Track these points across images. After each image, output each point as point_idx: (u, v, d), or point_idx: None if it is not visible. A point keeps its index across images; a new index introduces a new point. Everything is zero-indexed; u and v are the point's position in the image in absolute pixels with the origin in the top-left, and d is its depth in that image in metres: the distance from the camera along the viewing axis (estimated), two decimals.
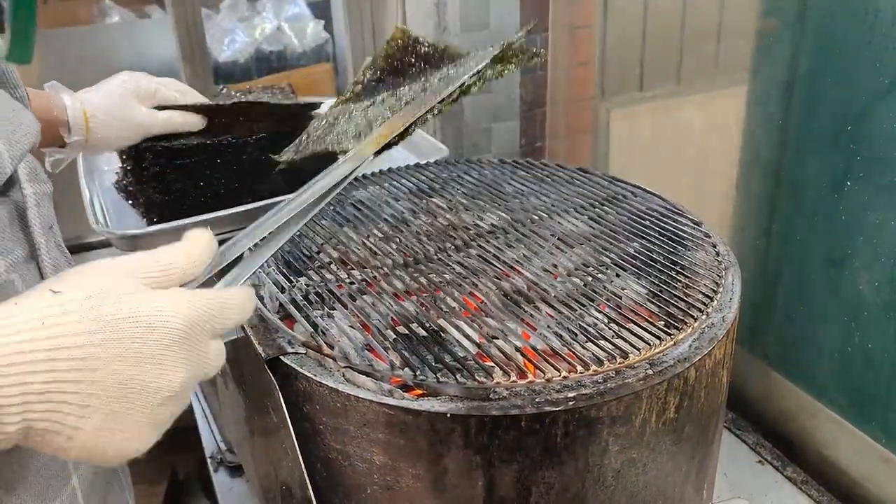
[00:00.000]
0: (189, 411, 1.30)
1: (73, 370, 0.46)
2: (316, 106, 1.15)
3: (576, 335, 0.70)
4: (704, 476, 0.79)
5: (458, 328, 0.72)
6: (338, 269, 0.84)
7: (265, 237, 0.67)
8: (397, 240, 0.89)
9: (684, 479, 0.75)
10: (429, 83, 0.86)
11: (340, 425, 0.68)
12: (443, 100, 0.81)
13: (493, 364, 0.67)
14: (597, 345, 0.68)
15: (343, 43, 2.22)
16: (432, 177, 1.05)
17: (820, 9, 0.98)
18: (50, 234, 0.74)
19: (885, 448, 0.98)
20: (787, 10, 1.03)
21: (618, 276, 0.80)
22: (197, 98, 1.05)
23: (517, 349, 0.68)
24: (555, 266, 0.82)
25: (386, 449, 0.66)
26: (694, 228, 0.89)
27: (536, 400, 0.63)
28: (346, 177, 0.73)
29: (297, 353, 0.71)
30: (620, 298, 0.76)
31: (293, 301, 0.78)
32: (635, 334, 0.69)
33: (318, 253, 0.87)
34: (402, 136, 0.81)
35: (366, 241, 0.89)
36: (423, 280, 0.80)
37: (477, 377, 0.65)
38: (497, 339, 0.70)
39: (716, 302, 0.75)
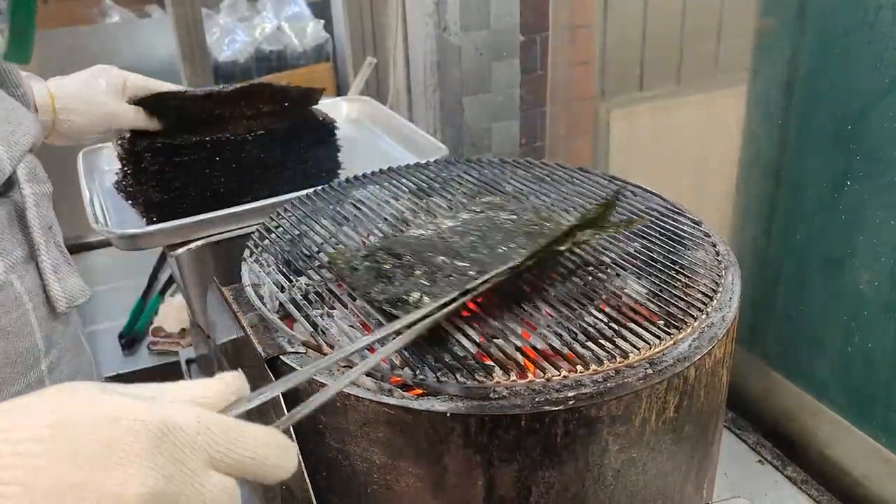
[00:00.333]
0: None
1: (13, 467, 0.36)
2: (318, 92, 1.15)
3: (576, 335, 0.70)
4: (704, 476, 0.79)
5: (458, 327, 0.72)
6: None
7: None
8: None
9: (684, 479, 0.75)
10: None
11: (340, 425, 0.67)
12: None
13: (492, 363, 0.67)
14: (597, 344, 0.68)
15: (343, 43, 2.22)
16: (432, 176, 1.05)
17: (820, 8, 0.98)
18: (49, 235, 0.74)
19: (885, 448, 0.98)
20: (787, 10, 1.03)
21: (618, 275, 0.80)
22: (161, 88, 1.04)
23: (517, 348, 0.68)
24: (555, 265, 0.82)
25: (386, 448, 0.66)
26: (694, 228, 0.89)
27: (536, 399, 0.63)
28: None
29: (297, 353, 0.71)
30: (620, 298, 0.75)
31: (293, 300, 0.78)
32: (635, 334, 0.69)
33: (318, 252, 0.87)
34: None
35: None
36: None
37: (477, 376, 0.65)
38: (497, 338, 0.70)
39: (715, 301, 0.75)
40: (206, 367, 1.21)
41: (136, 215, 1.12)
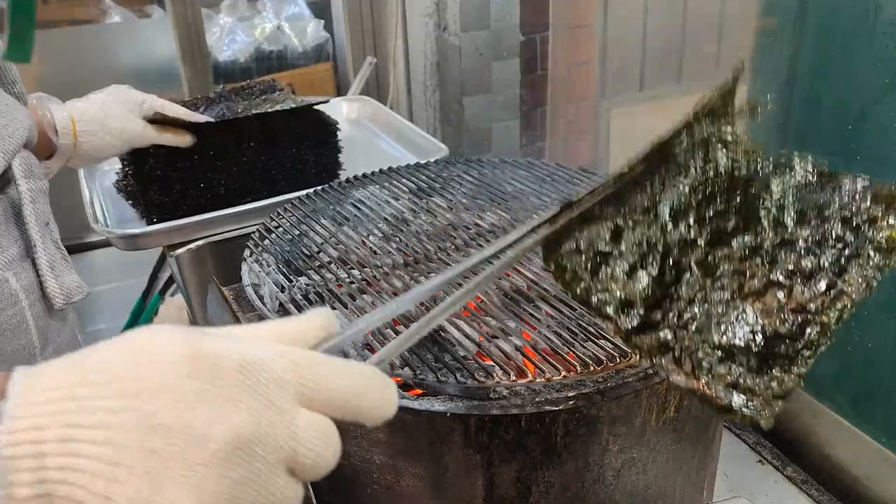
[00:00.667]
0: None
1: (100, 410, 0.35)
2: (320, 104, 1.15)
3: (576, 334, 0.70)
4: (704, 476, 0.79)
5: (457, 327, 0.72)
6: (338, 268, 0.84)
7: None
8: (397, 239, 0.89)
9: (684, 479, 0.75)
10: None
11: (340, 425, 0.67)
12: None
13: (493, 363, 0.67)
14: (597, 344, 0.68)
15: (343, 43, 2.22)
16: (432, 176, 1.05)
17: (820, 8, 0.98)
18: (46, 231, 0.74)
19: (885, 448, 0.98)
20: (787, 10, 1.03)
21: None
22: (178, 113, 1.04)
23: (517, 348, 0.68)
24: None
25: (386, 448, 0.66)
26: None
27: (536, 399, 0.63)
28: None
29: None
30: None
31: (293, 300, 0.78)
32: None
33: (318, 252, 0.87)
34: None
35: (366, 241, 0.89)
36: (423, 280, 0.80)
37: (477, 376, 0.65)
38: (497, 338, 0.70)
39: None
40: None
41: (136, 215, 1.12)
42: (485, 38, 1.82)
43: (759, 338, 0.45)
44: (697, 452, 0.75)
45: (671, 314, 0.46)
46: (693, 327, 0.45)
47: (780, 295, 0.46)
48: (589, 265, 0.48)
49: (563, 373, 0.65)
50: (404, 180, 1.04)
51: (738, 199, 0.50)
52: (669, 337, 0.45)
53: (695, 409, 0.71)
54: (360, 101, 1.48)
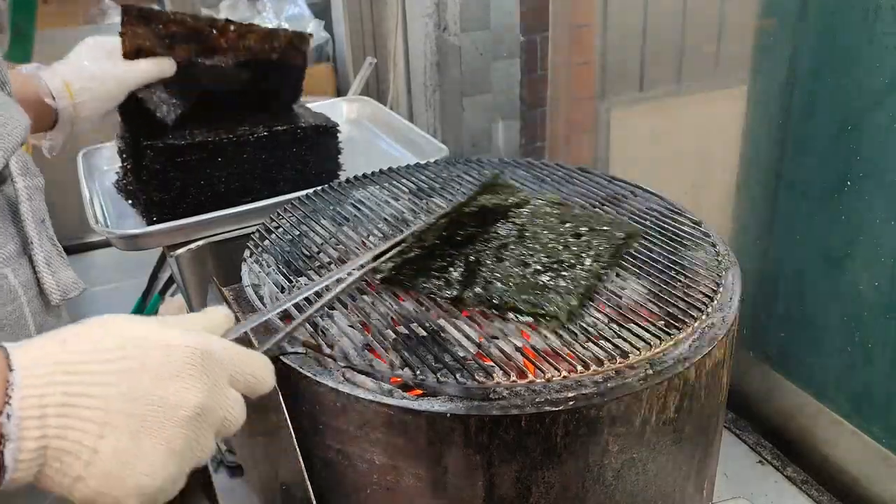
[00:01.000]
0: None
1: (94, 384, 0.45)
2: (305, 39, 1.15)
3: (576, 335, 0.70)
4: (704, 476, 0.79)
5: (457, 328, 0.72)
6: (338, 268, 0.84)
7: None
8: None
9: (684, 479, 0.75)
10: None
11: (340, 425, 0.67)
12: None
13: (492, 364, 0.67)
14: (597, 345, 0.68)
15: (343, 43, 2.22)
16: (432, 177, 1.05)
17: (820, 8, 0.98)
18: (42, 228, 0.74)
19: (885, 448, 0.98)
20: (787, 10, 1.03)
21: (618, 275, 0.80)
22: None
23: (517, 349, 0.68)
24: None
25: (386, 449, 0.66)
26: (694, 228, 0.89)
27: (536, 400, 0.63)
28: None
29: (297, 353, 0.71)
30: (620, 298, 0.75)
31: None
32: (635, 334, 0.69)
33: (318, 253, 0.87)
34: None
35: (366, 241, 0.89)
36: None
37: (477, 377, 0.65)
38: (497, 338, 0.70)
39: (716, 302, 0.75)
40: None
41: (136, 215, 1.12)
42: (485, 38, 1.82)
43: (528, 279, 0.75)
44: (697, 453, 0.75)
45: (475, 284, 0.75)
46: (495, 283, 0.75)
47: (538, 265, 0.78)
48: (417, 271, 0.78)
49: (563, 373, 0.65)
50: (404, 181, 1.04)
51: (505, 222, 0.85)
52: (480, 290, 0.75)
53: (695, 410, 0.71)
54: (360, 102, 1.48)
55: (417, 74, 1.91)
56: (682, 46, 1.29)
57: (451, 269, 0.78)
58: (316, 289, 0.72)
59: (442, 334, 0.71)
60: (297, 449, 0.69)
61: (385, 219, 0.94)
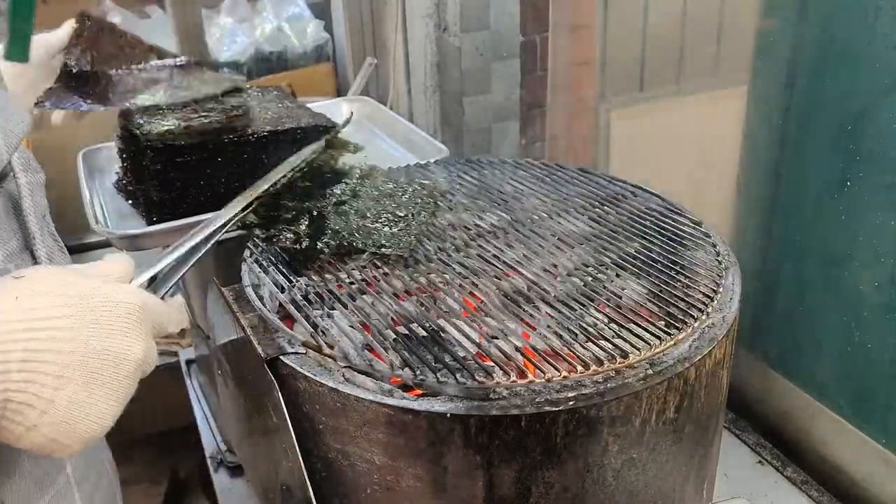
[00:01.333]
0: (189, 411, 1.30)
1: (51, 339, 0.48)
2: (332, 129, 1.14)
3: (576, 335, 0.70)
4: (704, 476, 0.79)
5: (457, 328, 0.72)
6: (338, 269, 0.84)
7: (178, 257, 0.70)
8: None
9: (684, 479, 0.75)
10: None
11: (340, 425, 0.67)
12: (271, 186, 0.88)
13: (493, 364, 0.67)
14: (597, 345, 0.68)
15: (343, 43, 2.22)
16: (432, 177, 1.05)
17: (820, 9, 0.98)
18: (43, 223, 0.75)
19: (885, 448, 0.98)
20: (787, 10, 1.03)
21: (618, 276, 0.80)
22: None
23: (517, 349, 0.68)
24: (555, 266, 0.82)
25: (386, 449, 0.66)
26: (694, 228, 0.89)
27: (536, 400, 0.63)
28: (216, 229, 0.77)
29: (297, 353, 0.71)
30: (620, 298, 0.75)
31: (293, 301, 0.78)
32: (635, 334, 0.69)
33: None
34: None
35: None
36: (422, 280, 0.80)
37: (477, 377, 0.65)
38: (497, 338, 0.70)
39: (716, 302, 0.75)
40: (207, 367, 1.21)
41: (136, 215, 1.12)
42: (485, 38, 1.82)
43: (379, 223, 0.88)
44: (697, 453, 0.75)
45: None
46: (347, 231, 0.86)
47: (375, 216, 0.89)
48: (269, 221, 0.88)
49: (563, 373, 0.65)
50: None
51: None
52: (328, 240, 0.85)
53: (695, 410, 0.71)
54: (360, 102, 1.48)
55: (417, 75, 1.91)
56: (682, 46, 1.29)
57: (299, 223, 0.87)
58: (189, 245, 0.71)
59: (442, 334, 0.71)
60: (297, 449, 0.69)
61: None
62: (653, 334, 0.69)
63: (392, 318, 0.74)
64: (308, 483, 0.70)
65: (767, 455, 1.08)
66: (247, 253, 0.88)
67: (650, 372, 0.66)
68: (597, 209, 0.95)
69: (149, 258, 0.67)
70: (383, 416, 0.65)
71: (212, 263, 1.08)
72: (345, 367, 0.68)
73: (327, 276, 0.83)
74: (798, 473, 1.05)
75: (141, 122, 1.05)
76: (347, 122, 1.08)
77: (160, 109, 1.08)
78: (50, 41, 1.03)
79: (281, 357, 0.70)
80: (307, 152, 0.96)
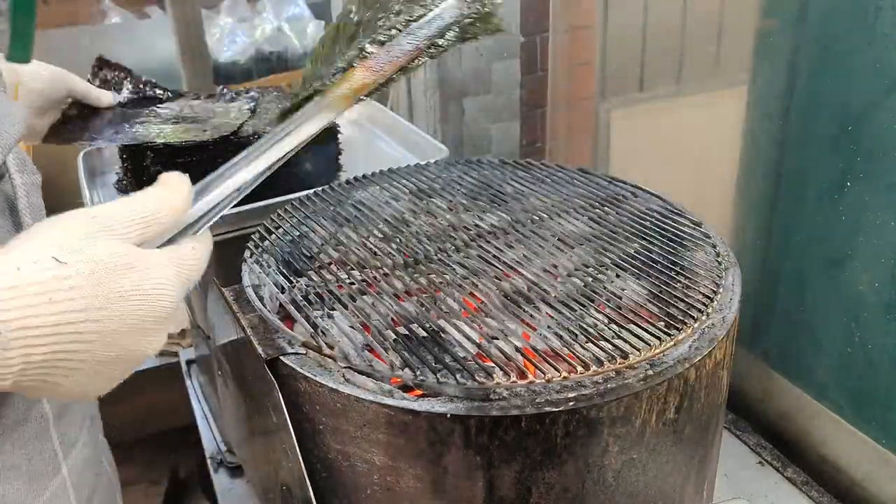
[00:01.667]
0: (189, 411, 1.30)
1: (74, 342, 0.48)
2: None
3: (576, 336, 0.70)
4: (704, 476, 0.79)
5: (458, 328, 0.72)
6: (338, 269, 0.84)
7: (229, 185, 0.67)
8: (397, 240, 0.89)
9: (684, 480, 0.75)
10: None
11: (340, 425, 0.68)
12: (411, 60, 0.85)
13: (493, 364, 0.67)
14: (597, 345, 0.68)
15: None
16: (432, 177, 1.05)
17: (820, 8, 0.98)
18: None
19: (884, 448, 0.98)
20: (787, 10, 1.03)
21: (618, 276, 0.80)
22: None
23: (517, 349, 0.68)
24: (555, 266, 0.82)
25: (386, 449, 0.66)
26: (694, 228, 0.89)
27: (536, 400, 0.63)
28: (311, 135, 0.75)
29: (297, 354, 0.71)
30: (620, 299, 0.75)
31: (293, 301, 0.78)
32: (635, 335, 0.69)
33: (318, 253, 0.87)
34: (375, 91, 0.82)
35: (366, 242, 0.89)
36: (423, 280, 0.80)
37: (477, 377, 0.65)
38: (497, 339, 0.70)
39: (716, 302, 0.75)
40: (207, 367, 1.21)
41: None
42: (484, 38, 1.82)
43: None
44: (697, 453, 0.75)
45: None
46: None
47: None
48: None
49: (563, 374, 0.65)
50: (404, 181, 1.04)
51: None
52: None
53: (695, 411, 0.71)
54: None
55: (417, 75, 1.91)
56: (682, 46, 1.29)
57: None
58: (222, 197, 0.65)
59: (442, 335, 0.71)
60: (297, 449, 0.69)
61: (385, 219, 0.94)
62: (653, 335, 0.69)
63: (392, 319, 0.74)
64: (308, 483, 0.70)
65: (768, 456, 1.08)
66: (247, 253, 0.88)
67: (650, 372, 0.66)
68: (597, 209, 0.95)
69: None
70: (383, 417, 0.65)
71: (212, 263, 1.08)
72: (345, 367, 0.68)
73: (327, 276, 0.83)
74: (798, 474, 1.05)
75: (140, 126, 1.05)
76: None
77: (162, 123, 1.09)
78: (79, 87, 1.04)
79: (281, 357, 0.70)
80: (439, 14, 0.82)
